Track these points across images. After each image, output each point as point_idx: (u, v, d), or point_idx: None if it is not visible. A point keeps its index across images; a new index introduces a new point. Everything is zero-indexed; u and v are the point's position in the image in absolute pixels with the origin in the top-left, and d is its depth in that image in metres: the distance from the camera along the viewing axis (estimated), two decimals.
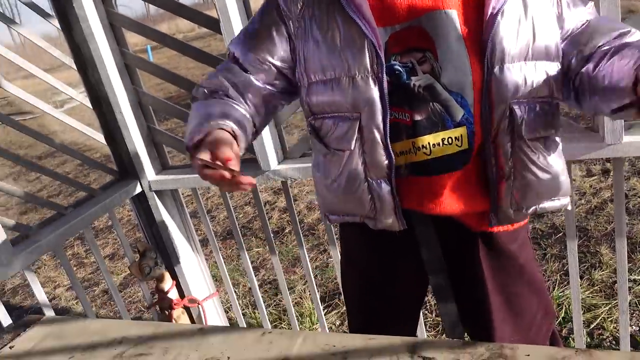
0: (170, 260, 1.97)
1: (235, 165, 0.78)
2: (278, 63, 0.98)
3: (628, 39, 0.86)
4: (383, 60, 0.86)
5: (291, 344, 1.00)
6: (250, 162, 1.71)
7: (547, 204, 0.97)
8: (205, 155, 0.79)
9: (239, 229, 1.89)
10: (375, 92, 0.87)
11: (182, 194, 2.00)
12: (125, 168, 1.87)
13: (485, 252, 1.02)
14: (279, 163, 1.65)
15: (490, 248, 1.02)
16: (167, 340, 1.11)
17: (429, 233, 1.00)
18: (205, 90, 0.99)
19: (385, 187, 0.93)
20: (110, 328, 1.19)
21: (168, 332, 1.15)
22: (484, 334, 1.03)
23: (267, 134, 1.59)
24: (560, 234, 2.61)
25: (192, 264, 2.02)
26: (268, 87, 1.00)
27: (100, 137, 1.82)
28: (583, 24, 0.90)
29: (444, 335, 1.74)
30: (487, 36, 0.84)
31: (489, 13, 0.83)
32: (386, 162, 0.91)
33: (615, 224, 1.40)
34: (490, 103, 0.86)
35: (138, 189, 1.85)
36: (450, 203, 0.94)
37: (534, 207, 0.96)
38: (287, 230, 3.49)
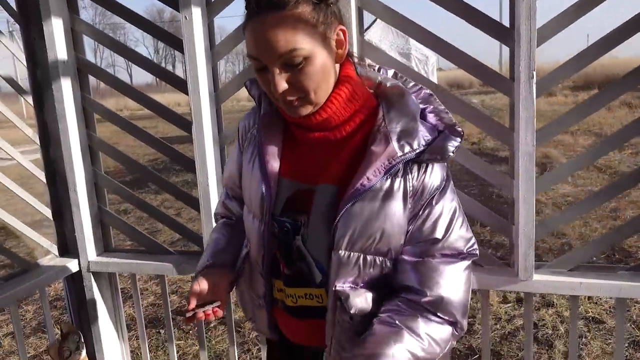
0: (93, 345, 1.90)
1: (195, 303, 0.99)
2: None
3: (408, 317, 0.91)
4: (271, 209, 0.98)
5: None
6: (197, 254, 1.77)
7: None
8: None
9: (170, 317, 1.88)
10: (261, 235, 1.00)
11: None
12: (66, 245, 1.85)
13: None
14: None
15: None
16: None
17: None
18: (219, 217, 1.23)
19: (261, 307, 1.08)
20: None
21: None
22: None
23: None
24: (477, 356, 2.74)
25: (115, 350, 1.96)
26: None
27: (47, 212, 1.82)
28: (423, 260, 0.93)
29: None
30: (336, 220, 0.91)
31: (344, 200, 0.90)
32: (262, 289, 1.06)
33: (525, 351, 1.56)
34: (329, 277, 0.95)
35: (75, 268, 1.83)
36: (316, 340, 1.02)
37: None
38: (212, 325, 3.41)
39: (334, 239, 0.91)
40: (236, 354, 1.84)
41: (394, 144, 0.90)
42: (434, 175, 0.94)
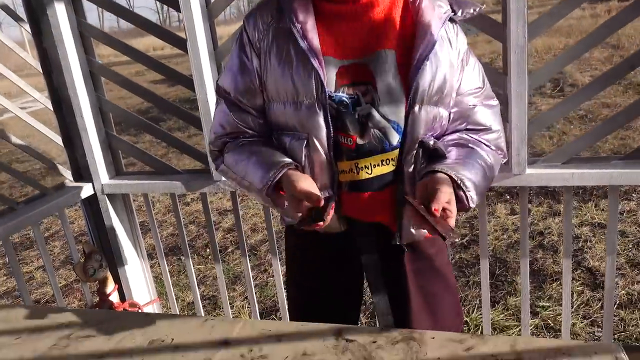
0: (114, 264, 2.02)
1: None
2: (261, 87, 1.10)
3: (477, 138, 1.11)
4: (326, 88, 0.99)
5: (232, 328, 1.11)
6: (202, 172, 1.84)
7: None
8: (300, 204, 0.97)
9: (186, 243, 1.99)
10: (320, 116, 1.00)
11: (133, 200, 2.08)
12: (79, 171, 1.94)
13: (408, 256, 1.19)
14: None
15: (412, 252, 1.19)
16: (114, 324, 1.19)
17: (368, 238, 1.16)
18: (227, 139, 1.14)
19: (330, 200, 1.06)
20: (58, 314, 1.25)
21: (116, 317, 1.23)
22: (406, 327, 1.19)
23: None
24: None
25: (136, 269, 2.09)
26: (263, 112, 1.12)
27: (58, 139, 1.88)
28: (471, 107, 1.10)
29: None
30: (413, 78, 0.99)
31: (416, 58, 0.99)
32: (329, 176, 1.06)
33: (520, 245, 1.63)
34: (405, 135, 1.03)
35: (90, 192, 1.92)
36: (383, 213, 1.11)
37: None
38: (229, 250, 3.57)
39: (415, 95, 1.00)
40: (250, 274, 1.95)
41: (436, 6, 1.03)
42: (462, 34, 1.09)
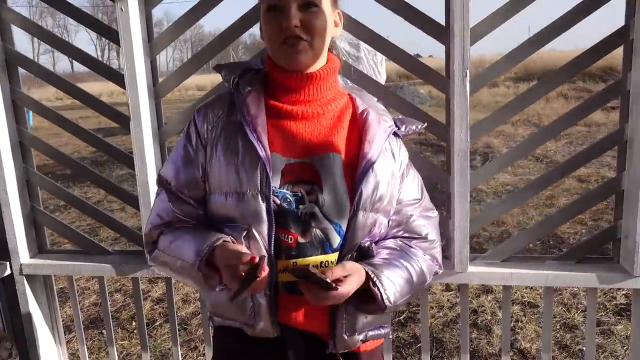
0: (27, 352, 1.82)
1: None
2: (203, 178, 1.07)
3: (410, 249, 1.11)
4: (271, 182, 0.99)
5: None
6: (136, 253, 1.73)
7: (375, 332, 1.12)
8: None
9: (110, 319, 1.83)
10: (262, 208, 0.99)
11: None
12: None
13: None
14: None
15: None
16: None
17: (299, 349, 1.08)
18: (163, 229, 1.10)
19: (265, 297, 1.02)
20: None
21: None
22: None
23: None
24: (420, 344, 2.83)
25: (52, 357, 1.88)
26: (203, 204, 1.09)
27: None
28: (408, 216, 1.12)
29: None
30: (358, 185, 1.01)
31: (362, 166, 1.02)
32: (268, 276, 0.98)
33: (461, 340, 1.62)
34: (345, 239, 1.02)
35: (6, 272, 1.74)
36: (321, 322, 1.06)
37: (364, 333, 1.09)
38: (157, 323, 3.34)
39: (359, 201, 1.01)
40: (179, 353, 1.82)
41: (382, 120, 1.08)
42: (404, 148, 1.14)
